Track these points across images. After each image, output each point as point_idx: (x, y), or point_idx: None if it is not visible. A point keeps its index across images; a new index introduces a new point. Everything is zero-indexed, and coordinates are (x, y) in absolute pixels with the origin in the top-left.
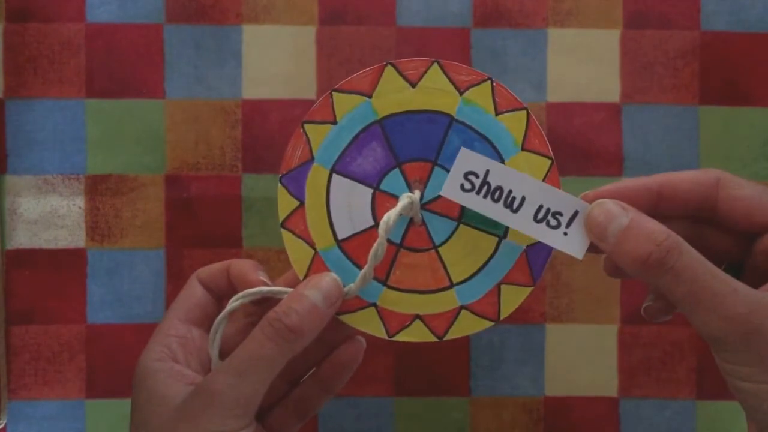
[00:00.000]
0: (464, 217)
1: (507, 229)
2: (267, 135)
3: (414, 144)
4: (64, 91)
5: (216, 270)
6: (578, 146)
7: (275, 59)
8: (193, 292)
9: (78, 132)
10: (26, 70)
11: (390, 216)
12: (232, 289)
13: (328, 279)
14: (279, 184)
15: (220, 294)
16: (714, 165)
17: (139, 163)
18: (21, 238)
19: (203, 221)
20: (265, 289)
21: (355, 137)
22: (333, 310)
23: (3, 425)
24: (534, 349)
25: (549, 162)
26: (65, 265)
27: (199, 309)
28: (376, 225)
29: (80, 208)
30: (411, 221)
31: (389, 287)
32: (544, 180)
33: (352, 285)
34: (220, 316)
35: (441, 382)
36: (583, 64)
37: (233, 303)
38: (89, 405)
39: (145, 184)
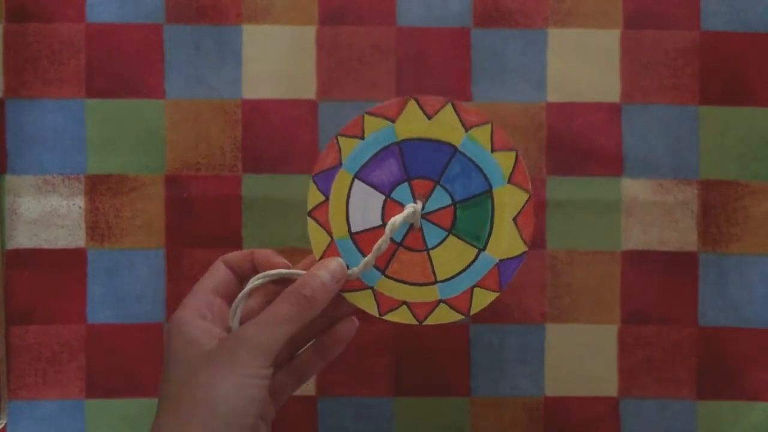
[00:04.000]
0: (454, 229)
1: (486, 243)
2: (267, 135)
3: (423, 165)
4: (64, 91)
5: (240, 255)
6: (578, 146)
7: (275, 59)
8: (218, 271)
9: (78, 132)
10: (26, 70)
11: (396, 220)
12: (254, 272)
13: (335, 263)
14: (311, 181)
15: (242, 276)
16: (714, 165)
17: (139, 163)
18: (21, 238)
19: (203, 221)
20: (284, 270)
21: (377, 153)
22: (338, 287)
23: (3, 425)
24: (534, 349)
25: (527, 195)
26: (65, 265)
27: (224, 286)
28: (383, 225)
29: (80, 208)
30: (411, 226)
31: (386, 276)
32: (520, 211)
33: (356, 268)
34: (244, 290)
35: (441, 382)
36: (583, 64)
37: (256, 280)
38: (89, 405)
39: (145, 184)
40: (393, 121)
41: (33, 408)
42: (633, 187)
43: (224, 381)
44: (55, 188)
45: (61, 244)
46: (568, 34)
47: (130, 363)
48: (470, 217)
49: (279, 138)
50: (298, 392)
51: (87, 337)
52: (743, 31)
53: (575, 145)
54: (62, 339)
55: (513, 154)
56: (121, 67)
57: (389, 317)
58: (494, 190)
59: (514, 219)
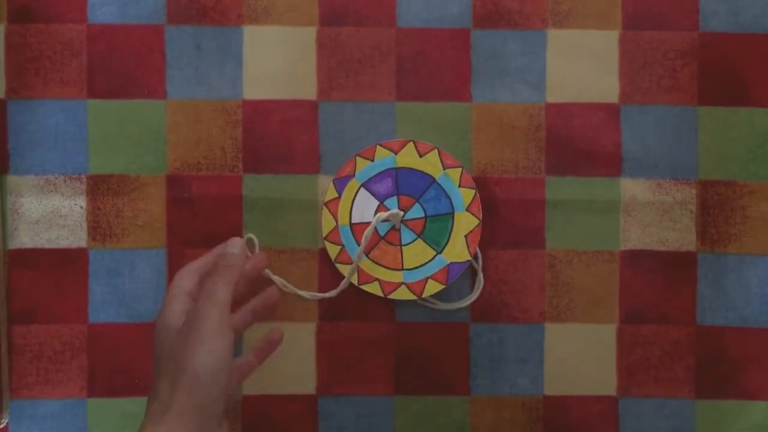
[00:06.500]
0: (422, 235)
1: (443, 249)
2: (268, 135)
3: (409, 186)
4: (65, 91)
5: (203, 260)
6: (577, 146)
7: (276, 60)
8: (184, 279)
9: (79, 132)
10: (28, 70)
11: (381, 215)
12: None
13: (239, 240)
14: (332, 183)
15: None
16: (712, 165)
17: (141, 163)
18: (23, 238)
19: (204, 221)
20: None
21: (380, 172)
22: (245, 257)
23: (5, 424)
24: (533, 348)
25: (478, 222)
26: (67, 265)
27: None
28: None
29: (82, 207)
30: (393, 227)
31: (369, 258)
32: (470, 232)
33: (352, 265)
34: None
35: (441, 381)
36: (582, 65)
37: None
38: (90, 404)
39: (146, 184)
40: (396, 153)
41: (35, 407)
42: (632, 187)
43: (197, 336)
44: (56, 188)
45: (63, 243)
46: (567, 35)
47: (132, 362)
48: (435, 229)
49: (279, 138)
50: (299, 391)
51: (88, 337)
52: (741, 32)
53: (574, 145)
54: (64, 338)
55: (473, 191)
56: (123, 68)
57: (365, 287)
58: (456, 213)
59: (465, 236)
